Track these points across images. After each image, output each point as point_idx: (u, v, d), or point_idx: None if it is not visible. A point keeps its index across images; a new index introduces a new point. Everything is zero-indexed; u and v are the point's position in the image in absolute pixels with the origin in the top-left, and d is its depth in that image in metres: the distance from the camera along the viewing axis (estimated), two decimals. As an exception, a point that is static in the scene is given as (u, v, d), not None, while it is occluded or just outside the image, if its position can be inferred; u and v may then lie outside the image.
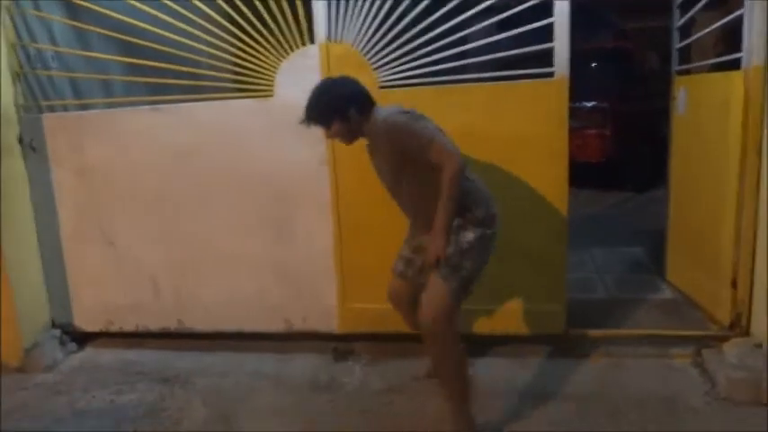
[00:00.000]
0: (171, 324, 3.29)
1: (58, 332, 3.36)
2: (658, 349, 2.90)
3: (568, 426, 2.39)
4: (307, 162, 2.95)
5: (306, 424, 2.54)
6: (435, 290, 2.15)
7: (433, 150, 2.06)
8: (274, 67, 2.93)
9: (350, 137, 2.23)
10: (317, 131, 2.88)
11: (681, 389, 2.61)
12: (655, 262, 3.88)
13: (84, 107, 3.35)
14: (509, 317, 2.93)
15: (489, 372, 2.78)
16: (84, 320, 3.41)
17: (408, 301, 2.43)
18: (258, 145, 3.01)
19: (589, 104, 6.26)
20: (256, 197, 3.06)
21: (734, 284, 2.79)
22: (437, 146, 2.06)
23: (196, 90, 3.05)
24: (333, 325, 3.09)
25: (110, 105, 3.38)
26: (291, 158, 2.97)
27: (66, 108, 3.34)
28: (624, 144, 6.29)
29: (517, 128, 2.76)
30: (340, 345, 3.09)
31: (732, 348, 2.67)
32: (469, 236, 2.18)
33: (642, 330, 3.00)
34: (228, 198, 3.10)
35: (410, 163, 2.14)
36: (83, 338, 3.45)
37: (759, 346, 2.63)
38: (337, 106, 2.14)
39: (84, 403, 2.82)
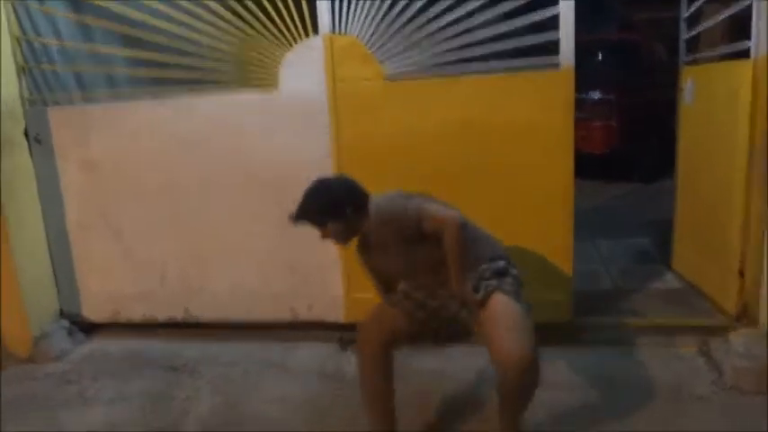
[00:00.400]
0: (178, 314, 3.32)
1: (66, 322, 3.40)
2: (664, 338, 2.90)
3: (573, 414, 2.40)
4: (311, 153, 2.96)
5: (313, 412, 2.56)
6: (513, 319, 1.96)
7: (428, 220, 1.99)
8: (278, 60, 2.93)
9: (345, 236, 2.11)
10: (322, 124, 2.92)
11: (687, 378, 2.61)
12: (661, 252, 3.87)
13: (89, 100, 3.37)
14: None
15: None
16: (92, 311, 3.44)
17: (391, 343, 2.18)
18: (263, 137, 3.02)
19: (595, 96, 6.24)
20: (261, 188, 3.07)
21: (741, 274, 2.78)
22: (429, 214, 2.00)
23: (200, 83, 3.06)
24: (339, 314, 3.10)
25: (114, 98, 3.39)
26: (296, 150, 2.98)
27: (71, 101, 3.35)
28: (631, 135, 6.26)
29: (523, 118, 2.76)
30: (346, 334, 3.10)
31: (739, 338, 2.67)
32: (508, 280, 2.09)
33: (648, 320, 3.00)
34: (234, 189, 3.11)
35: (416, 240, 2.04)
36: (91, 329, 3.49)
37: (766, 336, 2.62)
38: (332, 207, 2.04)
39: (94, 392, 2.85)
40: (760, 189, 2.64)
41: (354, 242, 2.17)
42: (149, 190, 3.21)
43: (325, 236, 2.09)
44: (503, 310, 1.98)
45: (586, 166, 5.88)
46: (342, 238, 2.10)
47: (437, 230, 1.99)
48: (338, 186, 2.10)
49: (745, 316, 2.77)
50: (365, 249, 2.17)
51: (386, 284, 2.26)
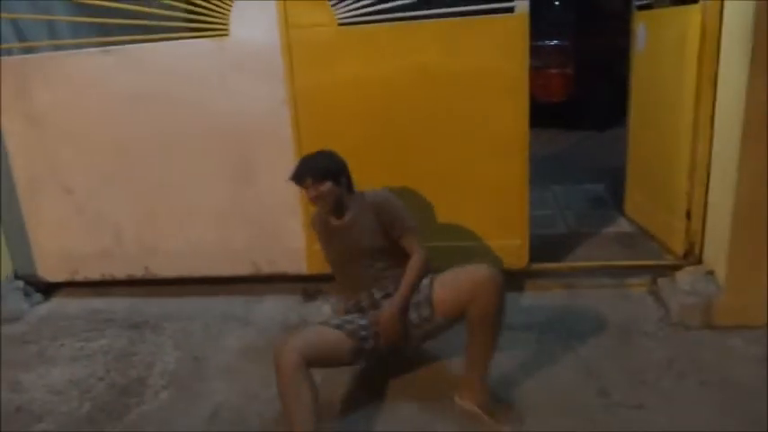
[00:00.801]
0: (137, 271, 3.28)
1: (21, 283, 3.32)
2: (616, 280, 3.02)
3: (528, 352, 2.50)
4: (266, 102, 2.91)
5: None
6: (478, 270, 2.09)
7: (413, 236, 2.23)
8: (228, 6, 2.83)
9: (333, 203, 2.23)
10: (276, 72, 2.85)
11: (636, 315, 2.74)
12: (614, 198, 3.99)
13: (29, 51, 3.20)
14: (474, 252, 2.99)
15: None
16: (48, 270, 3.37)
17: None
18: (215, 87, 2.94)
19: (551, 43, 6.24)
20: (216, 140, 3.01)
21: (688, 215, 2.89)
22: (415, 234, 2.24)
23: (148, 30, 2.93)
24: (301, 266, 3.12)
25: (56, 48, 3.23)
26: (251, 99, 2.92)
27: (9, 52, 3.18)
28: (586, 83, 6.32)
29: (477, 65, 2.75)
30: (309, 285, 3.14)
31: (685, 276, 2.80)
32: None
33: (600, 262, 3.11)
34: (187, 142, 3.04)
35: (386, 241, 2.23)
36: (48, 289, 3.43)
37: (710, 273, 2.76)
38: (334, 170, 2.23)
39: (54, 351, 2.83)
40: (705, 134, 2.72)
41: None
42: (99, 145, 3.11)
43: (315, 195, 2.21)
44: (449, 272, 2.17)
45: (543, 115, 5.96)
46: (329, 202, 2.23)
47: (409, 247, 2.21)
48: (337, 157, 2.29)
49: (692, 255, 2.90)
50: (341, 232, 2.29)
51: (342, 282, 2.41)
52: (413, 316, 2.16)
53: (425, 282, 2.19)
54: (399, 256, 2.21)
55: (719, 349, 2.46)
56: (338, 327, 2.07)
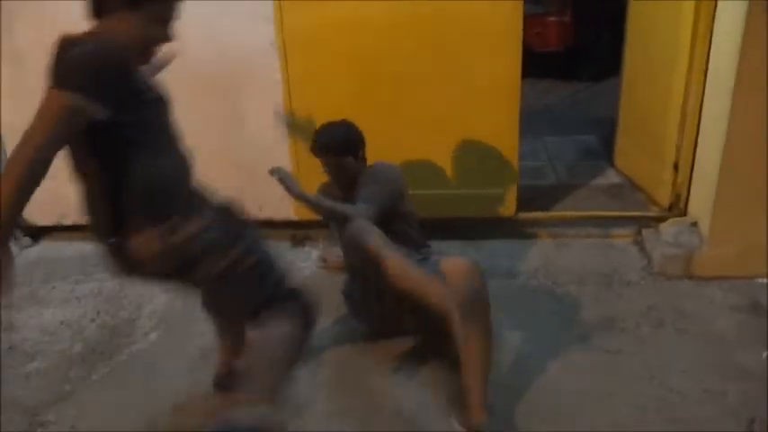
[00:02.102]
0: (126, 215, 3.28)
1: (9, 227, 3.32)
2: (601, 230, 3.06)
3: (512, 299, 2.55)
4: (256, 43, 2.84)
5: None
6: None
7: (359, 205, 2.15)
8: (215, -58, 2.73)
9: (349, 177, 2.24)
10: (264, 12, 2.78)
11: (619, 265, 2.79)
12: (605, 149, 3.99)
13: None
14: (464, 201, 3.01)
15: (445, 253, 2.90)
16: (36, 214, 3.36)
17: None
18: (203, 27, 2.86)
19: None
20: (203, 83, 2.95)
21: (675, 167, 2.91)
22: (360, 202, 2.16)
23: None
24: (289, 212, 3.13)
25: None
26: (238, 41, 2.85)
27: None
28: (585, 31, 6.20)
29: (469, 8, 2.69)
30: (297, 231, 3.15)
31: (669, 227, 2.84)
32: None
33: (586, 212, 3.14)
34: (173, 83, 2.94)
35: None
36: (37, 233, 3.42)
37: (694, 224, 2.79)
38: (355, 144, 2.25)
39: (45, 293, 2.86)
40: (698, 87, 2.71)
41: None
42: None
43: (336, 166, 2.23)
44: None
45: (539, 64, 5.88)
46: (346, 176, 2.25)
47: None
48: (357, 129, 2.28)
49: (677, 207, 2.93)
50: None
51: None
52: None
53: None
54: (396, 231, 2.16)
55: (699, 299, 2.52)
56: None
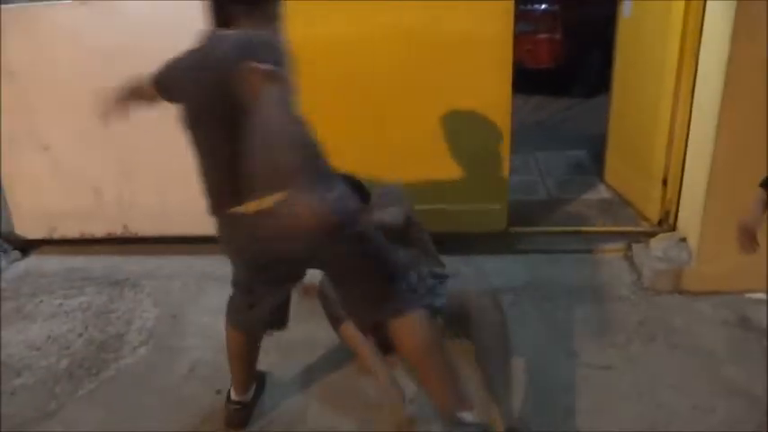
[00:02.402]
0: (116, 229, 3.27)
1: (-2, 240, 3.31)
2: (591, 245, 3.07)
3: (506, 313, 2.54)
4: (247, 62, 2.86)
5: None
6: None
7: None
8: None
9: None
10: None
11: (609, 280, 2.80)
12: (596, 164, 4.01)
13: (4, 2, 3.10)
14: (455, 216, 3.02)
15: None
16: (26, 228, 3.35)
17: None
18: (192, 40, 2.87)
19: (540, 7, 6.17)
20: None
21: (664, 183, 2.93)
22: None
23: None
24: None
25: (31, -1, 3.14)
26: (232, 59, 2.87)
27: (-17, 3, 3.09)
28: (575, 49, 6.27)
29: (460, 28, 2.71)
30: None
31: (658, 243, 2.85)
32: None
33: (577, 227, 3.16)
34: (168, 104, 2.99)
35: None
36: (26, 246, 3.40)
37: (683, 240, 2.81)
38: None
39: (32, 308, 2.83)
40: (685, 104, 2.74)
41: None
42: (75, 101, 3.05)
43: None
44: None
45: (530, 81, 5.94)
46: None
47: None
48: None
49: (666, 223, 2.94)
50: None
51: None
52: None
53: None
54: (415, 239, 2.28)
55: (688, 314, 2.52)
56: None
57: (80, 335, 2.59)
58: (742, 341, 2.34)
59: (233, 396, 2.00)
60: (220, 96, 1.49)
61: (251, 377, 2.02)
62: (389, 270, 1.74)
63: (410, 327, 1.70)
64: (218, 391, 2.17)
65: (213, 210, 1.73)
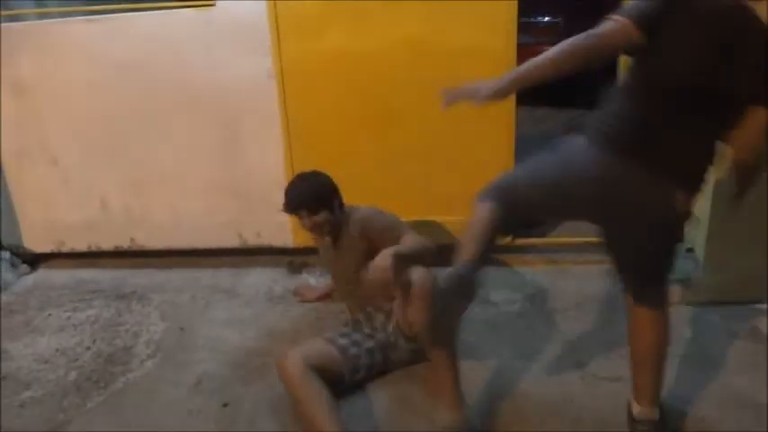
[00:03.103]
0: (123, 242, 3.29)
1: (7, 254, 3.32)
2: (598, 256, 3.04)
3: (510, 325, 2.55)
4: (253, 73, 2.89)
5: (262, 332, 2.62)
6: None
7: (406, 236, 2.14)
8: (215, -25, 2.80)
9: (329, 230, 2.24)
10: (263, 43, 2.83)
11: (616, 291, 2.77)
12: (601, 175, 4.00)
13: (14, 19, 3.15)
14: (459, 228, 3.01)
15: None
16: (34, 241, 3.37)
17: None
18: (202, 58, 2.92)
19: (543, 19, 6.21)
20: (203, 111, 3.01)
21: (670, 194, 2.92)
22: (412, 232, 2.18)
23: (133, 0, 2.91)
24: (287, 239, 3.14)
25: (42, 16, 3.19)
26: (237, 70, 2.90)
27: (-5, 20, 3.14)
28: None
29: (463, 41, 2.74)
30: (295, 258, 3.16)
31: (665, 253, 2.84)
32: None
33: (583, 238, 3.15)
34: (174, 113, 3.03)
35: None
36: (34, 260, 3.43)
37: (690, 250, 2.80)
38: (327, 197, 2.21)
39: (41, 321, 2.84)
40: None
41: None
42: (84, 114, 3.09)
43: (311, 223, 2.20)
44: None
45: (535, 93, 5.95)
46: (325, 230, 2.23)
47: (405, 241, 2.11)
48: (326, 179, 2.25)
49: (673, 233, 2.93)
50: (332, 253, 2.33)
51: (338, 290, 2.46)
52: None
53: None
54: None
55: (696, 325, 2.51)
56: (332, 342, 2.08)
57: (88, 348, 2.59)
58: (750, 352, 2.32)
59: None
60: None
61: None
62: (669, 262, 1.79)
63: (655, 321, 1.82)
64: (225, 404, 2.17)
65: None
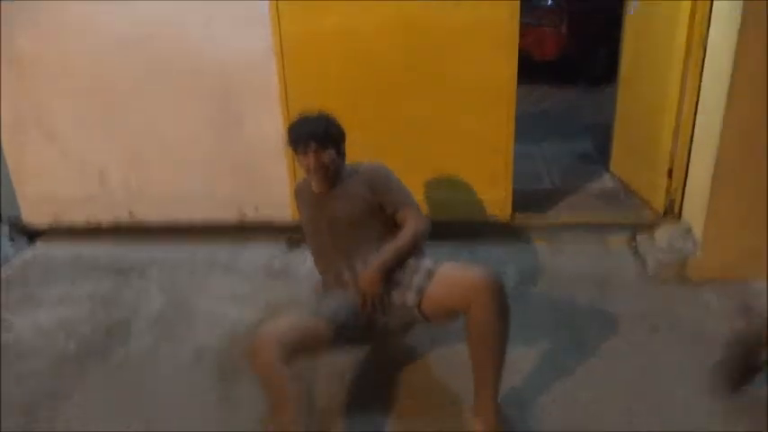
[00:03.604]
0: (122, 216, 3.29)
1: (5, 228, 3.32)
2: (596, 235, 3.07)
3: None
4: (253, 48, 2.86)
5: (260, 306, 2.64)
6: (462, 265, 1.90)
7: (411, 209, 2.06)
8: (215, -54, 2.76)
9: (332, 171, 2.04)
10: (262, 17, 2.79)
11: (614, 270, 2.80)
12: (601, 154, 4.01)
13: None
14: (459, 205, 3.03)
15: (438, 256, 2.91)
16: (33, 215, 3.37)
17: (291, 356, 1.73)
18: (201, 31, 2.88)
19: (547, 2, 6.19)
20: (202, 85, 2.98)
21: (669, 174, 2.92)
22: (413, 207, 2.09)
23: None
24: (286, 214, 3.13)
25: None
26: (238, 47, 2.87)
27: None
28: (580, 42, 6.28)
29: (466, 16, 2.71)
30: (294, 233, 3.15)
31: (663, 233, 2.86)
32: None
33: (582, 217, 3.16)
34: (172, 87, 3.01)
35: (374, 214, 2.05)
36: (33, 234, 3.42)
37: (688, 230, 2.81)
38: (337, 136, 2.06)
39: (40, 294, 2.85)
40: (692, 95, 2.73)
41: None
42: (84, 89, 3.07)
43: (317, 161, 2.00)
44: (451, 266, 1.92)
45: (536, 71, 5.93)
46: (330, 172, 2.04)
47: (403, 216, 2.05)
48: (337, 121, 2.10)
49: (671, 213, 2.94)
50: (324, 203, 2.10)
51: (319, 257, 2.18)
52: (396, 296, 1.94)
53: (424, 267, 1.93)
54: (391, 232, 2.04)
55: (693, 303, 2.53)
56: (314, 312, 1.87)
57: (87, 321, 2.61)
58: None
59: None
60: None
61: None
62: None
63: None
64: (224, 378, 2.19)
65: None
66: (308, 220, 2.17)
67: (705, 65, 2.65)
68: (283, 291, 2.75)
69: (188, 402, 2.09)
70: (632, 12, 3.36)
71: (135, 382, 2.21)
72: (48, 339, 2.49)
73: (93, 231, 3.35)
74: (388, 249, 1.96)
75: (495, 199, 3.01)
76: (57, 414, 2.07)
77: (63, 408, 2.10)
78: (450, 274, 1.86)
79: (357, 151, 2.22)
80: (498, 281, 1.77)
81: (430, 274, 1.89)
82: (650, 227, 2.97)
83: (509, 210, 3.03)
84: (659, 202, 3.03)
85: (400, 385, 2.12)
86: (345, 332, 1.88)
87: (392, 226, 2.07)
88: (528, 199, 3.28)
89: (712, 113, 2.56)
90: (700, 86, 2.69)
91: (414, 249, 2.01)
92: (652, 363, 2.17)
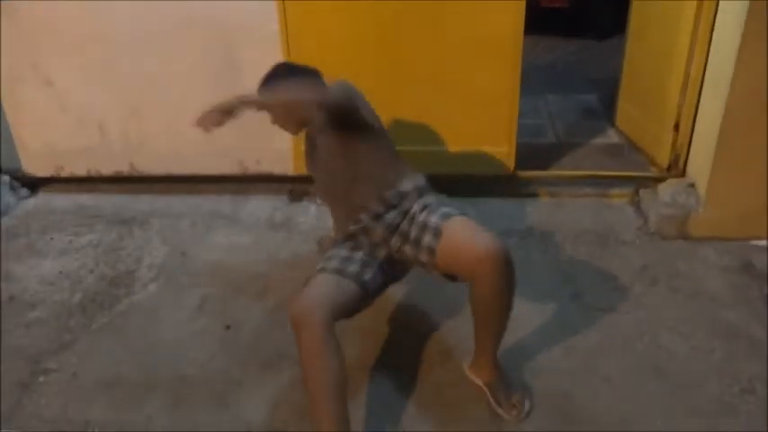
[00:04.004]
0: (123, 168, 3.27)
1: (6, 178, 3.31)
2: (599, 190, 3.06)
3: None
4: (254, -2, 2.79)
5: (262, 257, 2.66)
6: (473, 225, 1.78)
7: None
8: None
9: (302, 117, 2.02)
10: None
11: (615, 225, 2.80)
12: (606, 109, 3.95)
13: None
14: (462, 158, 3.00)
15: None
16: (33, 165, 3.35)
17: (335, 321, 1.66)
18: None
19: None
20: (202, 35, 2.91)
21: (676, 128, 2.88)
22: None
23: None
24: (287, 167, 3.12)
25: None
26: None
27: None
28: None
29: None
30: (295, 186, 3.15)
31: (666, 188, 2.84)
32: None
33: (585, 171, 3.14)
34: (171, 36, 2.93)
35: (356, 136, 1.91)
36: (34, 184, 3.41)
37: (692, 185, 2.79)
38: (318, 80, 2.01)
39: (43, 245, 2.86)
40: (702, 48, 2.66)
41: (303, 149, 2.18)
42: (80, 37, 2.99)
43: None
44: (458, 225, 1.79)
45: (545, 21, 5.78)
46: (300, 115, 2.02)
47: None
48: (311, 68, 2.05)
49: (676, 168, 2.92)
50: (311, 152, 2.06)
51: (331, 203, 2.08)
52: (408, 251, 1.83)
53: (432, 224, 1.79)
54: (383, 155, 1.95)
55: (692, 259, 2.54)
56: (340, 272, 1.75)
57: (91, 271, 2.63)
58: (744, 287, 2.36)
59: None
60: None
61: None
62: None
63: None
64: (228, 327, 2.23)
65: None
66: (311, 168, 2.12)
67: (717, 16, 2.57)
68: (285, 243, 2.77)
69: (191, 350, 2.13)
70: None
71: (140, 331, 2.25)
72: (53, 289, 2.52)
73: (94, 181, 3.34)
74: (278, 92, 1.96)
75: (498, 152, 2.98)
76: (63, 362, 2.11)
77: (69, 356, 2.14)
78: (456, 238, 1.73)
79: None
80: (504, 252, 1.66)
81: (437, 233, 1.76)
82: (655, 182, 2.95)
83: (513, 163, 3.01)
84: (664, 157, 3.00)
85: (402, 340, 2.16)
86: (372, 291, 1.82)
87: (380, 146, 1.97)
88: (531, 152, 3.26)
89: (722, 67, 2.50)
90: (710, 39, 2.63)
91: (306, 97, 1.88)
92: (649, 316, 2.20)
